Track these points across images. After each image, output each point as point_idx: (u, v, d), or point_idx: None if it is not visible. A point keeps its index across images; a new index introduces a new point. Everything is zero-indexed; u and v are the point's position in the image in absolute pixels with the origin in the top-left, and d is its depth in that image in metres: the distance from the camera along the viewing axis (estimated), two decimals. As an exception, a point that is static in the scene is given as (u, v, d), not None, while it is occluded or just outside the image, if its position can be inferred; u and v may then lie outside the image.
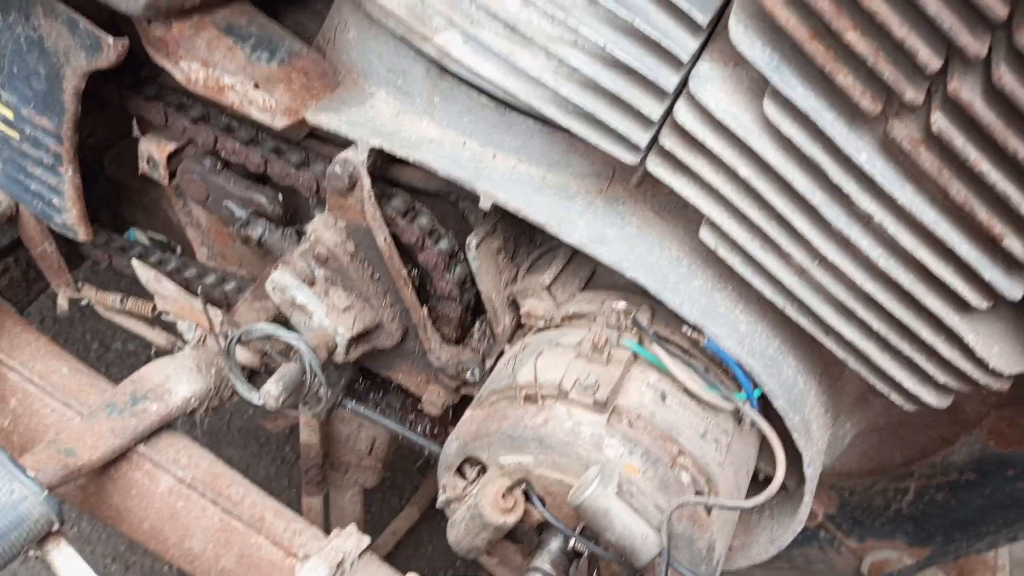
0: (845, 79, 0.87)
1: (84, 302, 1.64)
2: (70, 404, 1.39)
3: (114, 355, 2.43)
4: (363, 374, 1.44)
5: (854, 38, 0.84)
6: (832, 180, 0.95)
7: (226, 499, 1.33)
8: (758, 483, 1.26)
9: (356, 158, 1.12)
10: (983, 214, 0.92)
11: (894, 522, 1.53)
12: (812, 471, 1.16)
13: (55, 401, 1.40)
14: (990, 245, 0.96)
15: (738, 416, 1.14)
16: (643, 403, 1.08)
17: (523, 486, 1.05)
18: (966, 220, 0.95)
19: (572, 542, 1.05)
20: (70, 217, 1.38)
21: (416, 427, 1.44)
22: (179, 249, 1.63)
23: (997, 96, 0.84)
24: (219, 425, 2.37)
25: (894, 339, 1.05)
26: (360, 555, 1.28)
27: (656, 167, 1.03)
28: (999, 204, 0.92)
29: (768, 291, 1.07)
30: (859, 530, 1.58)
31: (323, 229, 1.17)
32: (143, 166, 1.36)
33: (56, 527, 1.16)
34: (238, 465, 2.30)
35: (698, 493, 1.07)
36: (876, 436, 1.43)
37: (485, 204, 1.10)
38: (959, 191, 0.92)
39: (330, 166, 1.12)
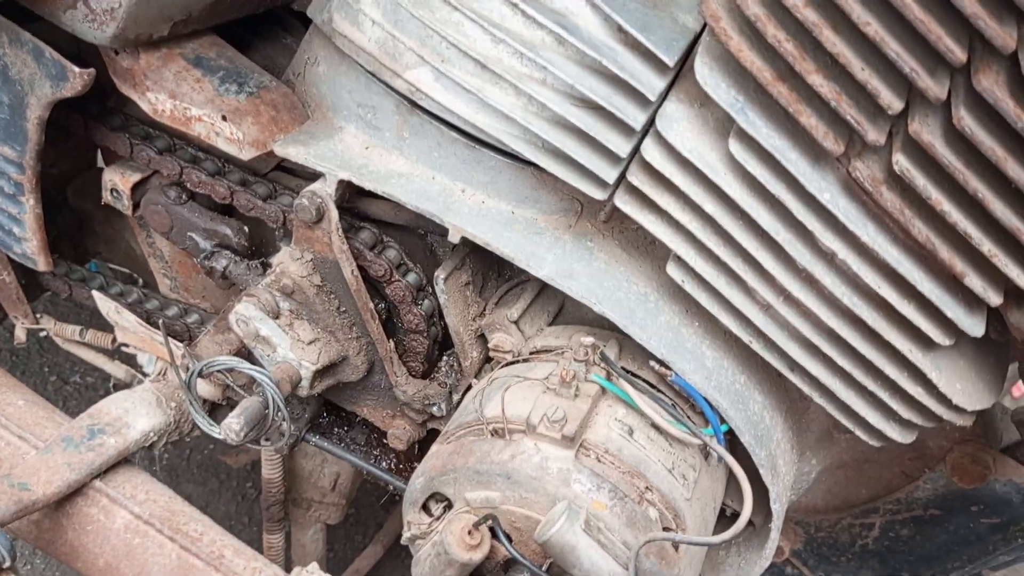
0: (809, 120, 0.88)
1: (43, 333, 1.60)
2: (25, 437, 1.35)
3: (72, 388, 2.38)
4: (327, 408, 1.42)
5: (817, 80, 0.86)
6: (796, 218, 0.96)
7: (184, 536, 1.30)
8: (725, 518, 1.26)
9: (324, 190, 1.12)
10: (944, 252, 0.94)
11: (860, 558, 1.53)
12: (779, 507, 1.17)
13: (10, 434, 1.36)
14: (952, 283, 0.98)
15: (705, 451, 1.14)
16: (611, 438, 1.08)
17: (489, 522, 1.04)
18: (928, 258, 0.96)
19: (539, 580, 1.04)
20: (30, 247, 1.35)
21: (381, 462, 1.42)
22: (141, 281, 1.61)
23: (957, 137, 0.86)
24: (178, 461, 2.32)
25: (859, 375, 1.06)
26: (323, 595, 1.25)
27: (624, 203, 1.03)
28: (960, 243, 0.94)
29: (734, 326, 1.07)
30: (825, 566, 1.58)
31: (289, 261, 1.16)
32: (107, 196, 1.34)
33: (7, 564, 1.13)
34: (197, 502, 2.25)
35: (666, 529, 1.07)
36: (841, 472, 1.44)
37: (454, 237, 1.10)
38: (920, 230, 0.93)
39: (298, 198, 1.11)
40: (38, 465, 1.27)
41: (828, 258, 0.99)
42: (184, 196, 1.29)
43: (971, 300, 0.98)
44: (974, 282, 0.95)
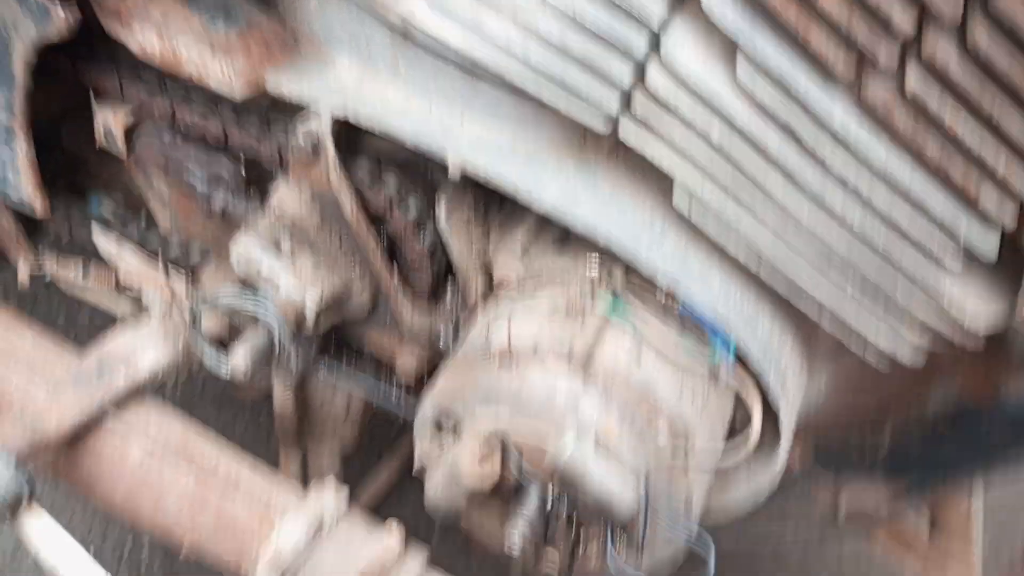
0: (819, 42, 0.85)
1: (48, 278, 1.60)
2: (36, 375, 1.36)
3: (81, 328, 2.39)
4: (335, 340, 1.42)
5: (827, 2, 0.82)
6: (806, 142, 0.93)
7: (200, 463, 1.32)
8: (735, 437, 1.27)
9: (320, 127, 1.09)
10: (958, 174, 0.92)
11: (870, 469, 1.55)
12: (788, 424, 1.17)
13: (21, 372, 1.37)
14: (965, 204, 0.96)
15: (713, 373, 1.14)
16: (618, 363, 1.07)
17: (499, 448, 1.05)
18: (941, 180, 0.94)
19: (549, 500, 1.06)
20: (25, 192, 1.33)
21: (391, 392, 1.42)
22: (143, 218, 1.59)
23: (972, 58, 0.82)
24: (192, 393, 2.34)
25: (868, 300, 1.05)
26: (340, 510, 1.28)
27: (628, 133, 1.00)
28: (974, 164, 0.91)
29: (742, 254, 1.06)
30: (834, 478, 1.60)
31: (287, 198, 1.14)
32: (100, 139, 1.31)
33: (27, 499, 1.15)
34: (213, 431, 2.29)
35: (675, 451, 1.08)
36: (851, 387, 1.44)
37: (454, 172, 1.08)
38: (934, 152, 0.91)
39: (293, 136, 1.09)
40: (50, 402, 1.28)
41: (839, 183, 0.97)
42: (178, 136, 1.26)
43: (985, 222, 0.96)
44: (988, 204, 0.93)
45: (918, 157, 0.93)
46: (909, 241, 0.99)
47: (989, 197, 0.93)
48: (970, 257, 0.99)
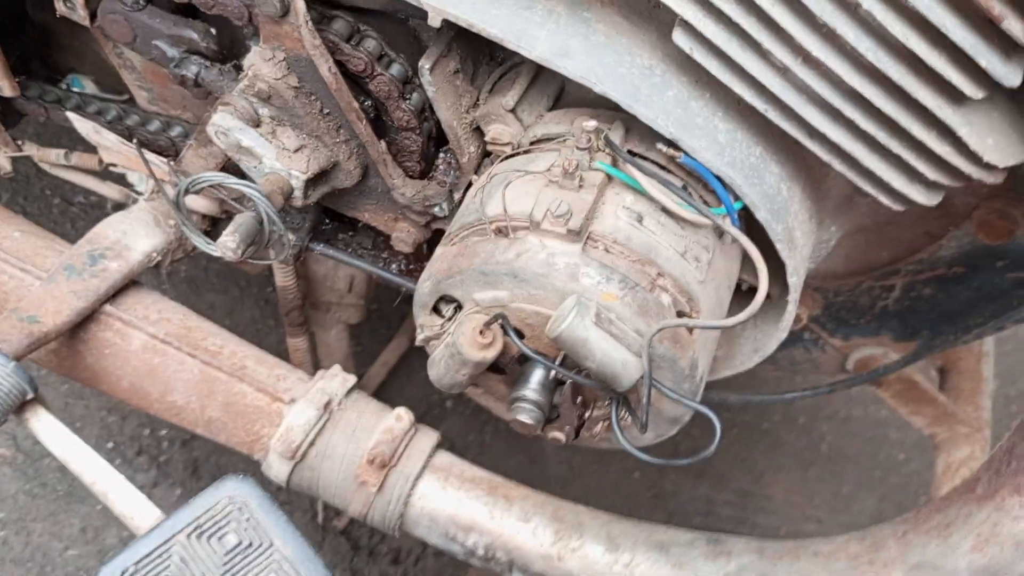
0: None
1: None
2: (27, 269, 1.33)
3: (78, 209, 2.36)
4: (329, 214, 1.38)
5: None
6: (815, -34, 0.85)
7: (204, 350, 1.31)
8: (741, 293, 1.24)
9: (286, -23, 1.00)
10: (981, -7, 0.84)
11: (880, 319, 1.52)
12: (796, 280, 1.14)
13: (11, 267, 1.34)
14: (987, 28, 0.88)
15: (719, 231, 1.10)
16: (619, 227, 1.03)
17: (500, 321, 1.02)
18: (962, 2, 0.86)
19: (553, 372, 1.04)
20: (-10, 70, 1.27)
21: (391, 265, 1.39)
22: (125, 95, 1.52)
23: None
24: (198, 272, 2.33)
25: (883, 137, 0.99)
26: (347, 394, 1.27)
27: (621, -35, 0.92)
28: (999, -20, 0.83)
29: (748, 95, 0.99)
30: (844, 329, 1.58)
31: (261, 63, 1.07)
32: (60, 7, 1.23)
33: (30, 396, 1.14)
34: (221, 309, 2.29)
35: (679, 313, 1.05)
36: (862, 236, 1.40)
37: (434, 20, 1.00)
38: (955, -32, 0.83)
39: (259, -10, 1.01)
40: (44, 296, 1.26)
41: (851, 9, 0.89)
42: (141, 0, 1.17)
43: (1008, 47, 0.89)
44: (1012, 25, 0.86)
45: (937, -24, 0.85)
46: (925, 71, 0.91)
47: (1013, 18, 0.85)
48: (991, 86, 0.92)
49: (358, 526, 2.02)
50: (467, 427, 2.26)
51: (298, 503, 2.02)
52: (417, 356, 2.23)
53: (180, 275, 2.28)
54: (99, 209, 2.33)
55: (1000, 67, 0.89)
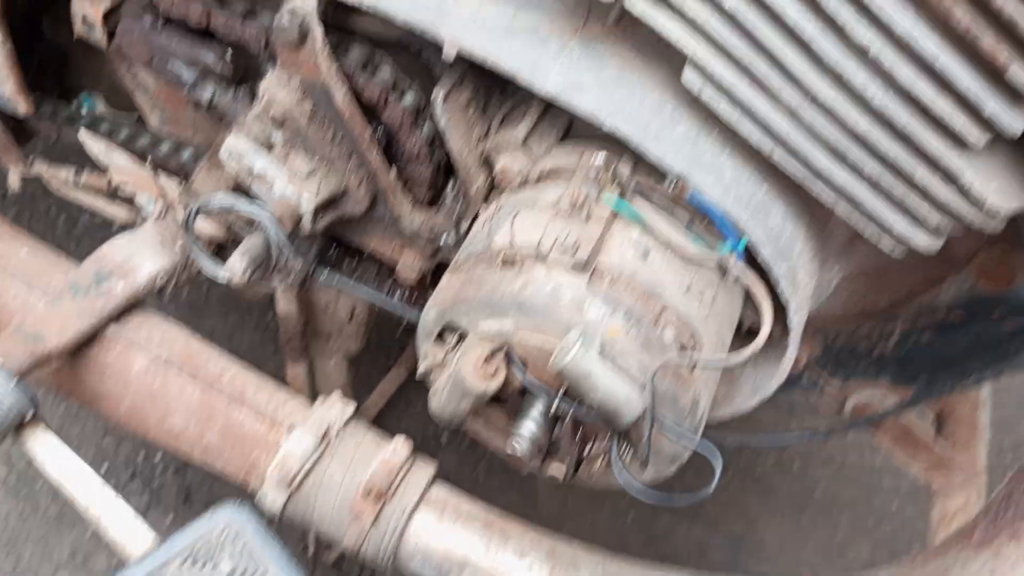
0: None
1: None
2: (33, 287, 1.33)
3: (83, 229, 2.36)
4: (335, 241, 1.39)
5: None
6: (826, 9, 0.87)
7: (205, 374, 1.30)
8: (742, 333, 1.24)
9: (305, 7, 1.02)
10: (987, 42, 0.86)
11: (878, 363, 1.53)
12: (798, 321, 1.14)
13: (17, 285, 1.34)
14: (992, 77, 0.90)
15: (723, 268, 1.11)
16: (625, 261, 1.04)
17: (504, 352, 1.03)
18: (968, 50, 0.88)
19: (555, 405, 1.04)
20: (7, 90, 1.28)
21: (394, 294, 1.39)
22: (136, 116, 1.53)
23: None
24: (198, 297, 2.33)
25: (887, 181, 1.00)
26: (346, 423, 1.27)
27: (634, 2, 0.94)
28: (1004, 32, 0.85)
29: (756, 136, 1.01)
30: (843, 372, 1.58)
31: (276, 88, 1.09)
32: (78, 28, 1.25)
33: (31, 415, 1.14)
34: (220, 336, 2.28)
35: (682, 349, 1.05)
36: (863, 280, 1.41)
37: (449, 53, 1.02)
38: (962, 17, 0.85)
39: (277, 17, 1.02)
40: (49, 315, 1.26)
41: (860, 54, 0.91)
42: (160, 21, 1.19)
43: (1012, 96, 0.91)
44: (1017, 75, 0.87)
45: (944, 24, 0.87)
46: (931, 117, 0.93)
47: (1019, 67, 0.87)
48: (994, 134, 0.94)
49: (348, 561, 2.00)
50: (461, 462, 2.24)
51: (288, 535, 2.00)
52: (415, 389, 2.23)
53: (181, 299, 2.28)
54: (104, 228, 2.33)
55: (1004, 115, 0.91)
